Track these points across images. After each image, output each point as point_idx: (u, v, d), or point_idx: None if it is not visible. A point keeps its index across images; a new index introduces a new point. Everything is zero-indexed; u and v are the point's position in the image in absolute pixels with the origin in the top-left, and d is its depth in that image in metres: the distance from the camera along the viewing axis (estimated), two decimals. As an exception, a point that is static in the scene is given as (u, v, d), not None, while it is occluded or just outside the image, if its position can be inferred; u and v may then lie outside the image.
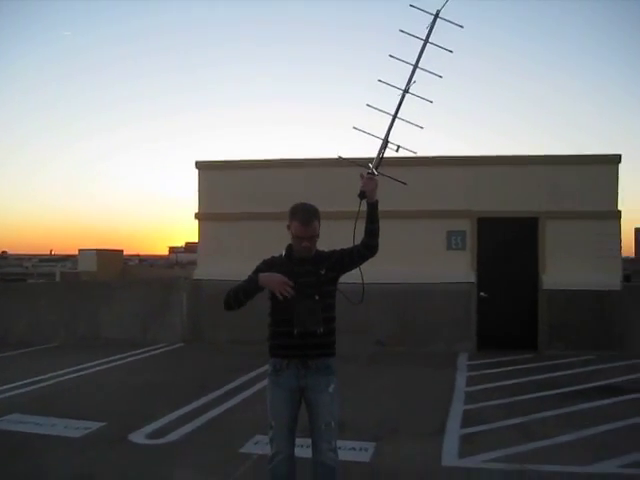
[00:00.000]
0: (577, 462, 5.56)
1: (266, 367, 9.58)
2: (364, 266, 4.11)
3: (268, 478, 4.08)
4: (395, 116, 4.17)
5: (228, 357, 10.72)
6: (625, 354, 10.86)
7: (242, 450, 5.85)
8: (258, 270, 4.17)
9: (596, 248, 11.57)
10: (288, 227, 4.15)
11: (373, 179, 4.01)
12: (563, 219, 11.74)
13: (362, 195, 4.00)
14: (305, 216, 4.03)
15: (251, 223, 12.48)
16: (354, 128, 4.33)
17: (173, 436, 6.25)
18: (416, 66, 4.18)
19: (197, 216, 12.83)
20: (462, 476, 5.31)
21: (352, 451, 5.72)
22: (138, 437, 6.21)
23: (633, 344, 11.24)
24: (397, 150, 4.21)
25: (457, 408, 7.49)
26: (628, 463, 5.52)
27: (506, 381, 8.91)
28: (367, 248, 4.00)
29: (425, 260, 11.84)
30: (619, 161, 11.84)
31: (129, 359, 10.55)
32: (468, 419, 6.96)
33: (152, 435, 6.28)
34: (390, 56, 4.28)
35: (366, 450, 5.82)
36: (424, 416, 7.16)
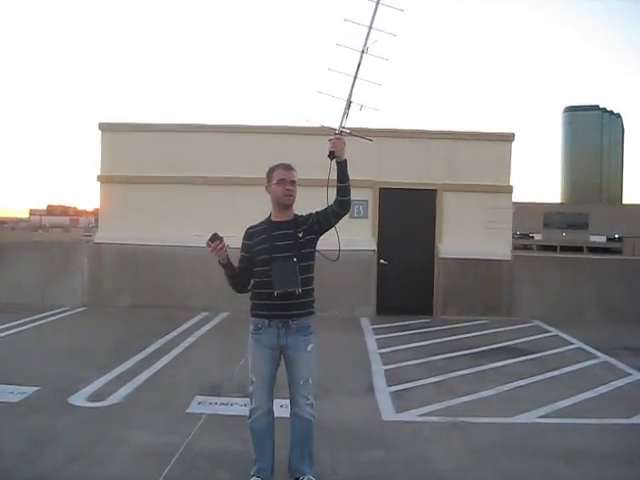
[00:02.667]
0: (502, 414, 6.09)
1: (177, 331, 9.75)
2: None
3: (249, 432, 4.24)
4: (355, 76, 4.35)
5: (136, 321, 10.63)
6: (514, 319, 11.68)
7: (189, 410, 5.95)
8: (242, 245, 4.38)
9: (489, 220, 12.32)
10: (266, 188, 4.30)
11: (341, 139, 4.21)
12: (460, 192, 12.37)
13: (332, 155, 4.19)
14: (286, 164, 4.34)
15: (154, 187, 12.33)
16: (318, 92, 4.45)
17: (114, 398, 6.23)
18: (370, 27, 4.36)
19: (99, 178, 12.50)
20: (405, 429, 5.67)
21: (287, 408, 5.94)
22: (79, 400, 6.14)
23: (521, 309, 12.12)
24: (360, 109, 4.41)
25: (378, 368, 7.87)
26: (546, 414, 6.11)
27: (414, 343, 9.39)
28: (340, 206, 4.22)
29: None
30: (513, 139, 12.62)
31: (35, 323, 10.22)
32: (392, 378, 7.35)
33: (92, 398, 6.23)
34: (345, 20, 4.43)
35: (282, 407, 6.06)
36: (350, 376, 7.49)
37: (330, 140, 4.16)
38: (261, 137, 12.44)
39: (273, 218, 4.31)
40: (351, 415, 5.95)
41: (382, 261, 12.34)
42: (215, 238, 4.08)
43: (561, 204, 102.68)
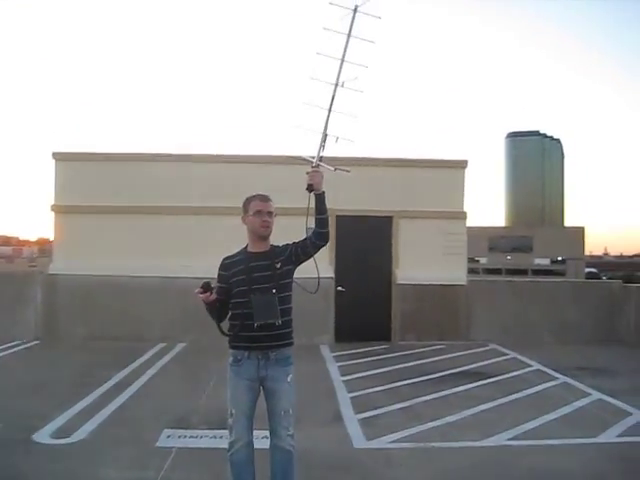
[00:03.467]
0: (471, 438, 6.17)
1: (137, 363, 9.61)
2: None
3: (228, 465, 4.21)
4: (330, 109, 4.43)
5: (93, 353, 10.41)
6: (470, 343, 11.85)
7: (159, 444, 5.86)
8: (218, 276, 4.34)
9: (445, 246, 12.53)
10: (243, 219, 4.32)
11: (319, 172, 4.29)
12: (415, 218, 12.56)
13: (310, 188, 4.25)
14: (263, 195, 4.34)
15: (109, 217, 12.19)
16: (296, 126, 4.52)
17: (80, 434, 6.09)
18: (343, 59, 4.46)
19: (53, 208, 12.31)
20: (377, 456, 5.70)
21: (267, 439, 5.92)
22: (43, 437, 5.98)
23: (477, 333, 12.29)
24: (336, 141, 4.49)
25: (343, 396, 7.89)
26: (514, 436, 6.21)
27: (376, 370, 9.44)
28: (319, 237, 4.28)
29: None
30: (466, 166, 12.90)
31: (-14, 358, 9.96)
32: (358, 405, 7.36)
33: (57, 435, 6.08)
34: (318, 53, 4.53)
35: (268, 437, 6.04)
36: (317, 405, 7.47)
37: (308, 173, 4.21)
38: (216, 166, 12.48)
39: (250, 249, 4.31)
40: (323, 444, 5.95)
41: (340, 288, 12.39)
42: (207, 288, 4.05)
43: (505, 228, 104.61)
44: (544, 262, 79.10)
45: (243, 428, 4.16)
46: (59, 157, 12.37)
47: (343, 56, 4.42)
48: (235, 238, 12.96)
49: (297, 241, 4.35)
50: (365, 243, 12.61)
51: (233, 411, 4.17)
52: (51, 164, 12.41)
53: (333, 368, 9.69)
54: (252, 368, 4.14)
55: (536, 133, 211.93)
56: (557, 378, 8.90)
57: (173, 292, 12.04)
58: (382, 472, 5.29)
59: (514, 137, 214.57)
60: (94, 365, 9.44)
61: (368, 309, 12.48)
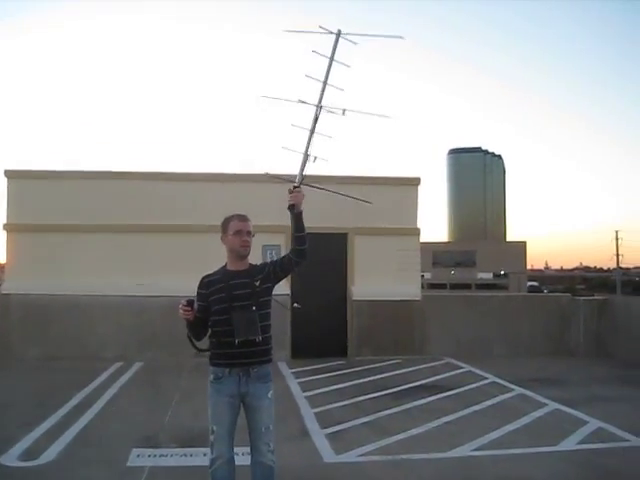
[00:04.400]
0: (437, 449, 6.31)
1: (95, 383, 9.50)
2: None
3: (209, 481, 4.24)
4: (312, 131, 4.57)
5: (49, 374, 10.23)
6: (425, 357, 12.07)
7: (130, 464, 5.84)
8: (197, 294, 4.38)
9: (398, 262, 12.74)
10: (222, 239, 4.40)
11: (301, 192, 4.40)
12: (369, 235, 12.75)
13: (292, 208, 4.37)
14: (241, 215, 4.45)
15: (62, 236, 12.07)
16: (283, 148, 4.66)
17: (48, 456, 6.01)
18: (325, 82, 4.62)
19: (5, 227, 12.10)
20: (349, 470, 5.80)
21: (236, 456, 5.95)
22: (10, 460, 5.88)
23: (432, 347, 12.53)
24: (314, 160, 4.63)
25: (307, 412, 7.96)
26: (478, 447, 6.39)
27: (336, 385, 9.54)
28: (298, 255, 4.37)
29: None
30: (419, 183, 13.17)
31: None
32: (323, 421, 7.45)
33: (24, 457, 5.99)
34: (306, 75, 4.69)
35: (249, 454, 6.07)
36: (283, 421, 7.46)
37: (290, 192, 4.32)
38: (171, 184, 12.49)
39: (229, 267, 4.39)
40: (294, 459, 5.99)
41: (296, 305, 12.46)
42: (190, 304, 4.11)
43: (448, 243, 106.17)
44: (487, 276, 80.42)
45: (224, 445, 4.21)
46: (11, 175, 12.18)
47: (326, 79, 4.56)
48: (191, 257, 13.08)
49: (275, 259, 4.43)
50: (321, 260, 12.69)
51: (214, 428, 4.22)
52: (2, 182, 12.23)
53: (293, 384, 9.74)
54: (233, 385, 4.20)
55: (478, 149, 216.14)
56: (513, 389, 9.15)
57: (128, 311, 11.97)
58: (355, 485, 5.37)
59: (456, 153, 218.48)
60: (52, 386, 9.30)
61: (324, 325, 12.58)
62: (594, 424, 7.19)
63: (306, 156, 4.50)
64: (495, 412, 7.90)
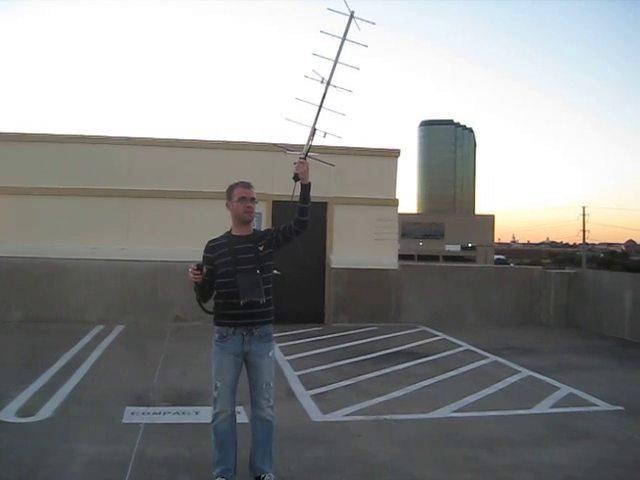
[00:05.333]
0: (419, 411, 6.62)
1: (80, 344, 9.64)
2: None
3: (212, 436, 4.48)
4: (320, 106, 4.76)
5: (33, 336, 10.34)
6: (401, 325, 12.41)
7: (125, 421, 6.05)
8: (203, 258, 4.60)
9: (377, 232, 13.02)
10: (227, 205, 4.59)
11: (305, 163, 4.59)
12: (349, 205, 12.99)
13: (296, 177, 4.57)
14: (245, 182, 4.61)
15: (44, 199, 12.13)
16: (286, 119, 4.84)
17: (45, 412, 6.17)
18: (336, 61, 4.80)
19: (-17, 190, 12.12)
20: (335, 428, 6.07)
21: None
22: (8, 416, 6.04)
23: (407, 315, 12.87)
24: (324, 136, 4.83)
25: (291, 374, 8.21)
26: (458, 409, 6.72)
27: (316, 350, 9.80)
28: (300, 225, 4.59)
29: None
30: (398, 155, 13.40)
31: None
32: (307, 383, 7.72)
33: (22, 413, 6.14)
34: (314, 54, 4.86)
35: (239, 413, 6.32)
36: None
37: (295, 163, 4.51)
38: (153, 150, 12.62)
39: (234, 232, 4.59)
40: (283, 418, 6.18)
41: (276, 272, 12.59)
42: (200, 269, 4.29)
43: (417, 214, 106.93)
44: (455, 249, 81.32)
45: (227, 400, 4.44)
46: (-9, 137, 12.18)
47: (337, 58, 4.73)
48: (173, 223, 13.18)
49: (279, 227, 4.64)
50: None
51: (218, 384, 4.44)
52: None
53: (275, 348, 9.97)
54: (237, 344, 4.42)
55: (450, 122, 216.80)
56: (487, 357, 9.52)
57: (110, 275, 12.10)
58: (343, 442, 5.64)
59: (428, 125, 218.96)
60: (38, 347, 9.44)
61: (303, 292, 12.82)
62: (565, 390, 7.56)
63: (313, 130, 4.68)
64: (471, 377, 8.25)
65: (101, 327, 11.23)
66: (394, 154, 13.38)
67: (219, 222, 13.01)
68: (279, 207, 12.77)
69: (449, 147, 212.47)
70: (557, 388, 7.65)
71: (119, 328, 11.27)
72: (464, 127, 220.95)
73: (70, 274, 11.92)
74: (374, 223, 13.05)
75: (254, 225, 4.76)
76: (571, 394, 7.42)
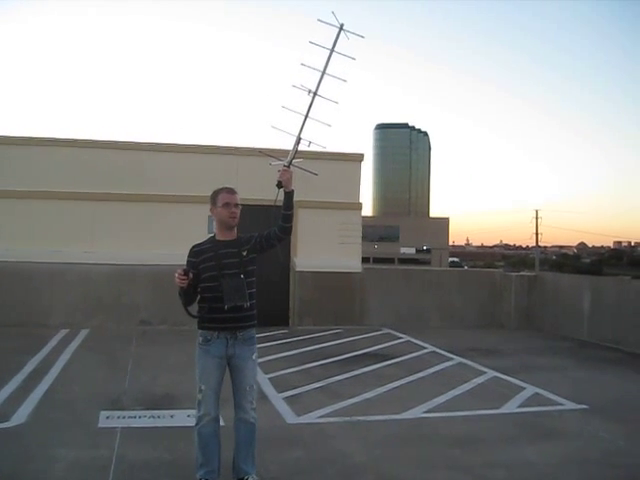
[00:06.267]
0: (391, 411, 6.75)
1: (46, 349, 9.52)
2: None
3: (195, 438, 4.54)
4: (306, 116, 4.87)
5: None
6: (365, 327, 12.56)
7: (101, 425, 6.05)
8: (188, 262, 4.63)
9: (341, 235, 13.17)
10: (211, 211, 4.66)
11: (288, 171, 4.72)
12: (314, 208, 13.08)
13: (279, 185, 4.68)
14: (230, 188, 4.71)
15: (9, 202, 12.02)
16: (272, 127, 4.93)
17: (18, 418, 6.13)
18: (324, 72, 4.91)
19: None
20: (311, 430, 6.16)
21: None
22: (-21, 422, 6.02)
23: (371, 318, 13.03)
24: (309, 145, 4.96)
25: (261, 377, 8.18)
26: (428, 409, 6.87)
27: (283, 353, 9.89)
28: (282, 231, 4.70)
29: (188, 243, 12.36)
30: (362, 159, 13.58)
31: None
32: (278, 386, 7.80)
33: (-7, 419, 6.13)
34: (302, 64, 4.97)
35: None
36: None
37: (279, 171, 4.60)
38: (117, 153, 12.57)
39: (218, 237, 4.66)
40: (258, 421, 6.33)
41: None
42: (186, 272, 4.34)
43: (372, 217, 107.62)
44: (410, 251, 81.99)
45: (211, 403, 4.50)
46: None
47: (324, 69, 4.83)
48: (138, 226, 13.12)
49: (262, 232, 4.72)
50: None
51: (202, 387, 4.50)
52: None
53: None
54: (221, 347, 4.49)
55: (405, 125, 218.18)
56: (452, 359, 9.72)
57: (74, 278, 12.00)
58: (320, 444, 5.74)
59: (383, 129, 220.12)
60: (3, 351, 9.34)
61: (267, 295, 12.78)
62: (531, 390, 7.78)
63: (298, 139, 4.78)
64: (439, 379, 8.42)
65: (66, 331, 11.13)
66: (358, 158, 13.57)
67: (184, 225, 13.06)
68: (245, 211, 12.61)
69: (404, 150, 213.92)
70: (523, 388, 7.87)
71: (84, 332, 11.19)
72: (419, 130, 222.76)
73: (33, 277, 11.79)
74: (338, 227, 13.20)
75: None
76: (537, 394, 7.63)
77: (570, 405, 7.18)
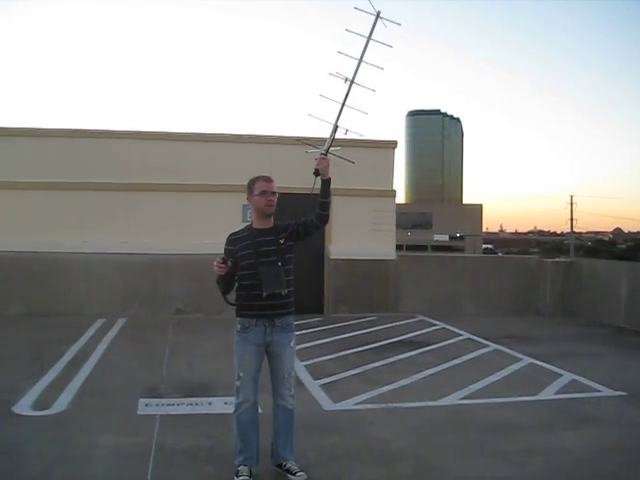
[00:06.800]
0: (428, 398, 6.75)
1: (84, 338, 9.68)
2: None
3: (234, 425, 4.59)
4: (343, 104, 4.86)
5: (35, 330, 10.35)
6: (399, 315, 12.55)
7: (140, 412, 6.14)
8: (225, 251, 4.66)
9: (375, 222, 13.15)
10: (248, 199, 4.69)
11: (325, 159, 4.73)
12: (348, 196, 13.03)
13: (316, 173, 4.69)
14: (266, 176, 4.73)
15: (47, 193, 12.22)
16: (310, 115, 4.95)
17: (59, 406, 6.23)
18: (361, 60, 4.90)
19: (-15, 185, 12.14)
20: (348, 416, 6.20)
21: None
22: (24, 410, 6.10)
23: (405, 305, 13.01)
24: (346, 133, 4.97)
25: (297, 364, 8.09)
26: (465, 396, 6.86)
27: (319, 340, 9.91)
28: (320, 219, 4.72)
29: (223, 232, 12.47)
30: (395, 146, 13.52)
31: None
32: (315, 373, 7.83)
33: (36, 407, 6.21)
34: (339, 52, 4.96)
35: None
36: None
37: (316, 159, 4.61)
38: (153, 143, 12.70)
39: (255, 226, 4.69)
40: (296, 408, 6.36)
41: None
42: (225, 261, 4.37)
43: (405, 204, 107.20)
44: (443, 238, 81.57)
45: (250, 390, 4.54)
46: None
47: (361, 57, 4.82)
48: (173, 216, 13.21)
49: (299, 220, 4.74)
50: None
51: (241, 374, 4.54)
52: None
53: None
54: (259, 334, 4.53)
55: (437, 112, 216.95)
56: (488, 345, 9.67)
57: (111, 268, 12.16)
58: (356, 430, 5.76)
59: (415, 115, 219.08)
60: (42, 341, 9.48)
61: (302, 283, 12.70)
62: (568, 377, 7.72)
63: (335, 127, 4.79)
64: (474, 365, 8.39)
65: (103, 320, 11.28)
66: (391, 145, 13.52)
67: (218, 215, 13.15)
68: (280, 199, 12.75)
69: (436, 137, 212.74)
70: (560, 375, 7.81)
71: (120, 321, 11.34)
72: (451, 117, 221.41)
73: (70, 268, 11.98)
74: (372, 214, 13.18)
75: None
76: (574, 380, 7.58)
77: (607, 392, 7.11)
